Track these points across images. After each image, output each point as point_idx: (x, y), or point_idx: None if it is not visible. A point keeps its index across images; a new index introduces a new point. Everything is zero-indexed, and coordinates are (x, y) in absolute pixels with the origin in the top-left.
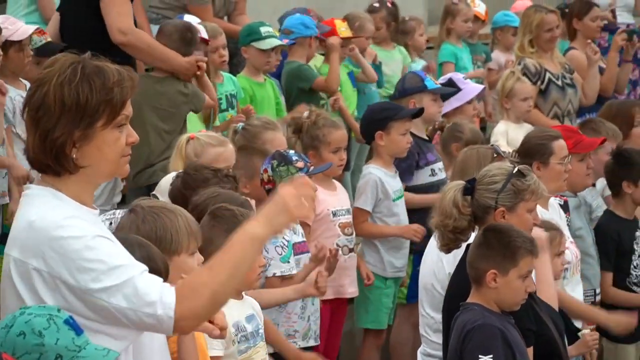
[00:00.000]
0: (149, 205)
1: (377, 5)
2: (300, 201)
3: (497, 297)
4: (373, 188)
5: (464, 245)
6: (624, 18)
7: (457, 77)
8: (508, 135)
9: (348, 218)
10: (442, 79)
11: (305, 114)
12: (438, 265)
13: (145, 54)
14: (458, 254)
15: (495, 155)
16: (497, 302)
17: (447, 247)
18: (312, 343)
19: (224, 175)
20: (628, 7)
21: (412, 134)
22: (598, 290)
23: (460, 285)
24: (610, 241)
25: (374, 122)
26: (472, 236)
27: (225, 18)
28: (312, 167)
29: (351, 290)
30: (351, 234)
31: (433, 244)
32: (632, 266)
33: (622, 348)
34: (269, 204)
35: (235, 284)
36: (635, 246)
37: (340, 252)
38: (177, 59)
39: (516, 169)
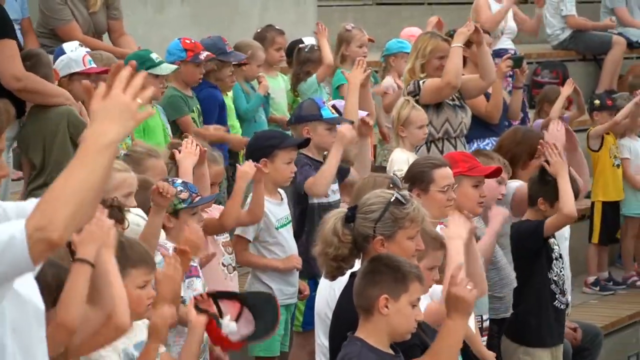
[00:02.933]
0: None
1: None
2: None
3: (388, 326)
4: None
5: (348, 272)
6: (506, 44)
7: (341, 104)
8: (409, 163)
9: (227, 237)
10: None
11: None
12: (330, 294)
13: (40, 96)
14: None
15: (392, 185)
16: (389, 331)
17: (330, 274)
18: None
19: (108, 205)
20: (513, 33)
21: (310, 158)
22: (485, 317)
23: (344, 315)
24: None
25: (259, 149)
26: (357, 263)
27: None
28: (197, 198)
29: None
30: (232, 253)
31: None
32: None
33: (537, 354)
34: (101, 111)
35: (91, 188)
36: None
37: (225, 270)
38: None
39: (394, 197)
